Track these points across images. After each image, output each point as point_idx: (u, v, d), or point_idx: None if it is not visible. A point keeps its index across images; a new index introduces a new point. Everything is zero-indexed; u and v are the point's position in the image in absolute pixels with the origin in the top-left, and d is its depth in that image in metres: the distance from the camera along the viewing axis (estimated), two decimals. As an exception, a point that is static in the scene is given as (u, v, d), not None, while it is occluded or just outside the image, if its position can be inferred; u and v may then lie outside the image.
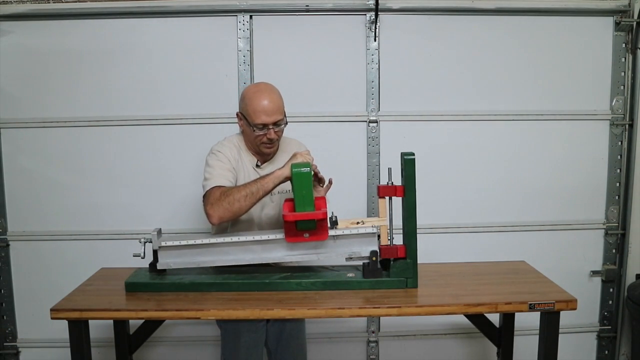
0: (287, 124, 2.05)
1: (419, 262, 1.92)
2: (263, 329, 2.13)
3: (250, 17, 2.57)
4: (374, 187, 2.61)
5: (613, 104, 2.69)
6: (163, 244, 1.94)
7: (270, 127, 1.97)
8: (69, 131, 2.61)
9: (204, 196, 1.96)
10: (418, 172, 1.86)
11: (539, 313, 1.84)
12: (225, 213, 1.89)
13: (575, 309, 1.81)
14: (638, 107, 2.64)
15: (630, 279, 2.74)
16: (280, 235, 1.91)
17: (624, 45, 2.65)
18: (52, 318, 1.77)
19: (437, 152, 2.65)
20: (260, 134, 1.98)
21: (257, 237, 1.93)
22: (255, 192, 1.89)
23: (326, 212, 1.86)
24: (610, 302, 2.81)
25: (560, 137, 2.69)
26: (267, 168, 2.06)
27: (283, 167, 1.90)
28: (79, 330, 1.79)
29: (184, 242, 1.95)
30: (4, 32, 2.55)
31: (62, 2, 2.54)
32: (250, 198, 1.88)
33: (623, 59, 2.65)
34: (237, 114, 2.04)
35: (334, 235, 1.91)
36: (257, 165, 2.08)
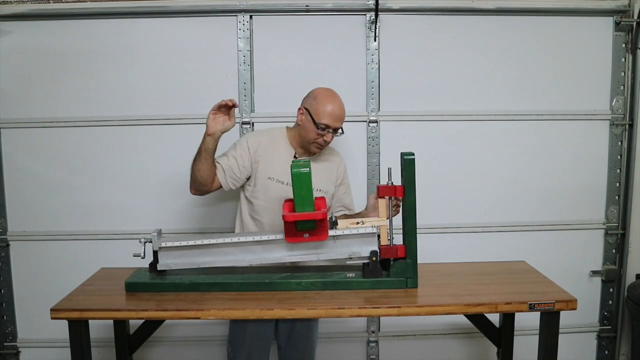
0: (343, 133, 2.14)
1: (418, 262, 1.92)
2: (271, 322, 2.20)
3: (250, 17, 2.57)
4: (374, 187, 2.61)
5: (613, 104, 2.69)
6: (163, 244, 1.94)
7: (330, 131, 2.08)
8: (69, 131, 2.61)
9: None
10: (418, 172, 1.87)
11: (539, 313, 1.84)
12: (190, 181, 2.10)
13: (575, 309, 1.81)
14: (638, 107, 2.64)
15: (630, 279, 2.74)
16: (280, 236, 1.91)
17: (624, 45, 2.65)
18: (52, 318, 1.77)
19: (437, 152, 2.65)
20: (320, 134, 2.08)
21: (257, 238, 1.93)
22: (197, 152, 2.05)
23: (326, 212, 1.86)
24: (610, 302, 2.81)
25: (560, 137, 2.69)
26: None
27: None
28: (79, 330, 1.79)
29: (184, 243, 1.95)
30: (4, 32, 2.55)
31: (62, 2, 2.54)
32: (196, 160, 2.05)
33: (623, 59, 2.65)
34: (300, 109, 2.12)
35: (334, 236, 1.91)
36: (295, 157, 2.10)
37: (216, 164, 2.11)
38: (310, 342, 2.29)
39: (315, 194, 2.02)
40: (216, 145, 2.04)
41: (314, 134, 2.08)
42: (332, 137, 2.12)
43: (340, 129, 2.12)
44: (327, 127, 2.07)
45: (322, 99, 2.08)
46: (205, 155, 2.03)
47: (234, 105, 2.01)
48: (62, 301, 1.85)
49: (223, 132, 2.04)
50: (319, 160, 2.19)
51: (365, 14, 2.58)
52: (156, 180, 2.64)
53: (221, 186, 2.14)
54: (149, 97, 2.60)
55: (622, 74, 2.66)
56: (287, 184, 2.09)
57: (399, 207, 1.99)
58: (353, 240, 1.92)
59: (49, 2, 2.53)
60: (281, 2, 2.55)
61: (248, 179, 2.16)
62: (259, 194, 2.13)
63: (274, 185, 2.11)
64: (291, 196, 1.88)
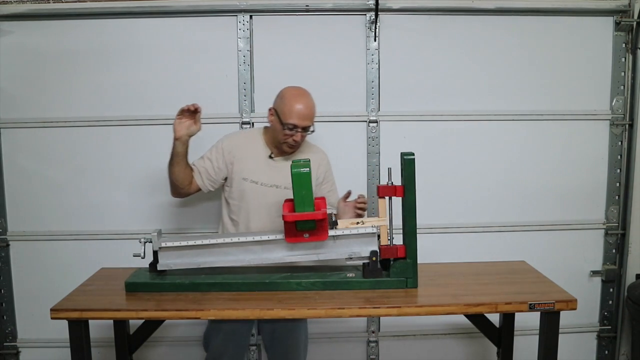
0: (313, 131, 2.14)
1: (419, 262, 1.92)
2: (250, 321, 2.24)
3: (250, 17, 2.57)
4: (374, 187, 2.61)
5: (613, 104, 2.69)
6: (163, 244, 1.94)
7: (299, 130, 2.07)
8: (69, 131, 2.61)
9: None
10: (418, 172, 1.87)
11: (539, 313, 1.84)
12: (169, 184, 2.16)
13: (575, 309, 1.81)
14: (638, 107, 2.64)
15: (630, 279, 2.74)
16: (280, 236, 1.91)
17: (624, 45, 2.65)
18: (52, 318, 1.77)
19: (437, 152, 2.65)
20: (288, 134, 2.08)
21: (257, 238, 1.93)
22: (170, 157, 2.09)
23: (326, 212, 1.86)
24: (610, 302, 2.81)
25: (560, 137, 2.69)
26: (280, 162, 2.17)
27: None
28: (79, 330, 1.79)
29: (184, 243, 1.95)
30: (4, 32, 2.55)
31: (62, 2, 2.54)
32: (170, 164, 2.10)
33: (623, 59, 2.65)
34: (269, 109, 2.14)
35: (334, 236, 1.91)
36: (270, 157, 2.17)
37: (192, 166, 2.16)
38: (295, 342, 2.28)
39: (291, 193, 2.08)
40: (186, 149, 2.09)
41: (282, 134, 2.09)
42: (303, 137, 2.12)
43: (311, 128, 2.12)
44: (295, 126, 2.06)
45: (289, 99, 2.08)
46: (177, 159, 2.09)
47: (196, 110, 2.05)
48: (62, 301, 1.85)
49: (190, 136, 2.09)
50: (296, 157, 2.16)
51: (365, 14, 2.58)
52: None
53: (200, 188, 2.19)
54: (149, 97, 2.60)
55: (622, 74, 2.66)
56: (261, 184, 2.15)
57: (364, 209, 2.05)
58: (353, 240, 1.92)
59: (49, 2, 2.53)
60: (281, 2, 2.55)
61: (226, 179, 2.20)
62: (235, 195, 2.17)
63: (249, 185, 2.15)
64: (267, 196, 2.02)
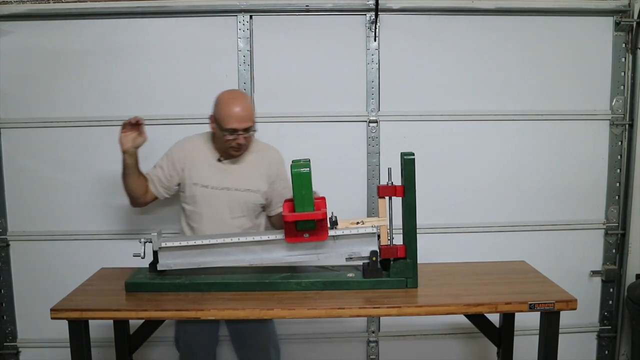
0: (255, 131, 2.17)
1: (419, 262, 1.92)
2: (216, 322, 2.31)
3: (250, 17, 2.57)
4: (374, 187, 2.61)
5: (613, 104, 2.69)
6: (163, 244, 1.95)
7: (240, 132, 2.09)
8: (69, 131, 2.61)
9: None
10: (418, 172, 1.87)
11: (539, 313, 1.84)
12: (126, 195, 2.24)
13: (575, 309, 1.81)
14: (638, 107, 2.64)
15: (630, 279, 2.74)
16: (280, 236, 1.91)
17: (624, 45, 2.65)
18: (52, 318, 1.77)
19: (437, 152, 2.65)
20: (230, 139, 2.10)
21: (257, 238, 1.93)
22: (122, 169, 2.17)
23: (326, 212, 1.86)
24: (610, 302, 2.81)
25: (560, 137, 2.69)
26: (229, 165, 2.21)
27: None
28: (79, 330, 1.79)
29: (184, 243, 1.95)
30: (4, 32, 2.55)
31: (62, 2, 2.54)
32: (123, 176, 2.18)
33: (623, 59, 2.65)
34: (210, 117, 2.17)
35: (334, 236, 1.91)
36: (219, 160, 2.21)
37: (147, 175, 2.24)
38: (261, 342, 2.29)
39: (245, 196, 2.18)
40: (135, 160, 2.17)
41: (225, 139, 2.11)
42: (247, 138, 2.14)
43: (252, 127, 2.14)
44: (235, 130, 2.08)
45: (224, 105, 2.11)
46: (128, 171, 2.16)
47: (137, 123, 2.13)
48: (62, 301, 1.85)
49: (136, 148, 2.16)
50: (245, 159, 2.22)
51: (365, 14, 2.58)
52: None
53: (157, 196, 2.27)
54: (149, 97, 2.60)
55: (622, 74, 2.66)
56: (211, 188, 2.18)
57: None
58: (353, 240, 1.93)
59: (49, 2, 2.53)
60: (281, 2, 2.55)
61: (180, 185, 2.26)
62: (188, 200, 2.23)
63: (199, 190, 2.19)
64: (218, 199, 2.11)
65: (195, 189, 2.20)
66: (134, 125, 2.13)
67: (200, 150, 2.23)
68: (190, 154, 2.22)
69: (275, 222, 2.31)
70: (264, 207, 2.28)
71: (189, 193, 2.22)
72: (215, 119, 2.14)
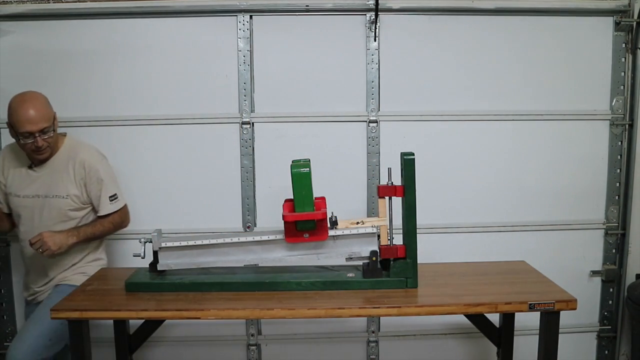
0: (55, 131, 2.14)
1: (419, 262, 1.92)
2: None
3: (250, 17, 2.57)
4: (374, 187, 2.61)
5: (613, 104, 2.69)
6: (163, 244, 1.95)
7: (37, 135, 2.05)
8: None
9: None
10: (418, 172, 1.87)
11: (538, 313, 1.84)
12: None
13: (575, 309, 1.81)
14: (638, 107, 2.64)
15: (630, 278, 2.74)
16: (280, 236, 1.91)
17: (624, 45, 2.65)
18: (52, 318, 1.77)
19: (437, 152, 2.65)
20: (28, 142, 2.06)
21: (257, 238, 1.93)
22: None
23: (326, 212, 1.86)
24: (610, 302, 2.81)
25: (560, 137, 2.69)
26: (40, 170, 2.18)
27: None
28: (79, 330, 1.79)
29: (184, 243, 1.95)
30: (4, 32, 2.55)
31: (62, 2, 2.54)
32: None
33: (623, 59, 2.65)
34: (7, 124, 2.11)
35: (334, 236, 1.91)
36: (30, 167, 2.19)
37: None
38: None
39: (55, 202, 2.16)
40: None
41: (23, 144, 2.08)
42: (47, 140, 2.09)
43: (50, 128, 2.10)
44: (30, 133, 2.04)
45: (14, 109, 2.05)
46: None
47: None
48: (62, 301, 1.85)
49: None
50: (53, 163, 2.18)
51: (365, 14, 2.58)
52: (156, 180, 2.64)
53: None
54: (149, 97, 2.60)
55: (622, 74, 2.66)
56: (23, 197, 2.18)
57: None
58: (353, 240, 1.93)
59: (49, 2, 2.53)
60: (281, 2, 2.55)
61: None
62: (12, 210, 2.24)
63: (14, 200, 2.20)
64: (32, 208, 2.13)
65: (11, 199, 2.20)
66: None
67: (13, 159, 2.22)
68: (7, 163, 2.22)
69: (106, 224, 2.27)
70: (94, 209, 2.26)
71: (10, 203, 2.22)
72: (9, 125, 2.09)
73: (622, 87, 2.67)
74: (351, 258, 1.94)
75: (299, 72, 2.60)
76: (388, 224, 1.95)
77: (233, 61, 2.58)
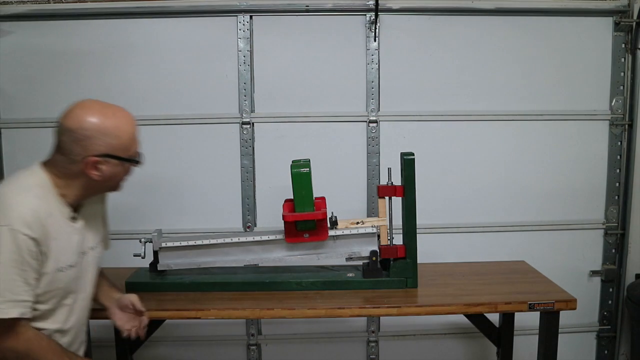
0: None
1: (418, 262, 1.92)
2: None
3: (250, 17, 2.57)
4: (374, 187, 2.62)
5: (612, 104, 2.69)
6: (163, 244, 1.95)
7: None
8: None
9: None
10: (418, 172, 1.87)
11: (538, 313, 1.84)
12: None
13: (574, 308, 1.81)
14: (637, 107, 2.64)
15: (629, 278, 2.74)
16: (280, 236, 1.91)
17: (623, 45, 2.65)
18: (52, 318, 1.77)
19: (437, 152, 2.65)
20: (132, 167, 1.58)
21: (257, 238, 1.93)
22: None
23: (326, 212, 1.86)
24: (610, 302, 2.81)
25: (559, 137, 2.69)
26: (80, 218, 1.55)
27: None
28: (79, 330, 1.79)
29: (184, 243, 1.95)
30: (4, 32, 2.55)
31: (63, 2, 2.54)
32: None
33: (622, 59, 2.66)
34: (90, 161, 1.43)
35: (334, 236, 1.91)
36: (74, 218, 1.51)
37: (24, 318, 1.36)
38: None
39: (92, 254, 1.62)
40: None
41: (126, 172, 1.56)
42: None
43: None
44: (138, 153, 1.57)
45: (121, 128, 1.48)
46: None
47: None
48: (63, 301, 1.84)
49: None
50: (88, 209, 1.59)
51: (365, 14, 2.58)
52: (156, 180, 2.64)
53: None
54: (149, 97, 2.60)
55: (622, 74, 2.66)
56: (68, 267, 1.47)
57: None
58: (353, 240, 1.93)
59: (49, 2, 2.53)
60: (281, 2, 2.55)
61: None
62: (43, 297, 1.42)
63: (65, 274, 1.46)
64: (88, 269, 1.57)
65: (61, 275, 1.44)
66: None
67: (50, 214, 1.41)
68: (45, 230, 1.37)
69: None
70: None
71: (49, 286, 1.42)
72: (111, 156, 1.46)
73: (621, 88, 2.67)
74: (351, 258, 1.94)
75: (299, 72, 2.60)
76: (388, 224, 1.96)
77: (233, 61, 2.58)
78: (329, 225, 1.90)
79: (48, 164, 1.50)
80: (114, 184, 1.56)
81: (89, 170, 1.44)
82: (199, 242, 1.94)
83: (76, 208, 1.52)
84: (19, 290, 1.33)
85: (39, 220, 1.36)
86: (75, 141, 1.43)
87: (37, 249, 1.36)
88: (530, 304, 1.79)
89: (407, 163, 1.87)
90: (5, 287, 1.32)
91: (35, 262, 1.36)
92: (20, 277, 1.33)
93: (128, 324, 1.70)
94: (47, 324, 1.46)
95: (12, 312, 1.32)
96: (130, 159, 1.52)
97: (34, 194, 1.40)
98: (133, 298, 1.70)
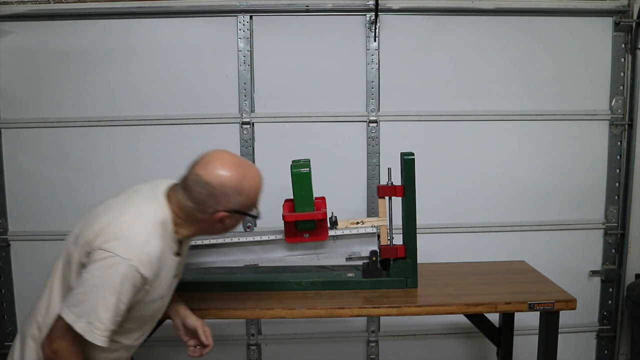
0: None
1: (418, 262, 1.92)
2: None
3: (250, 17, 2.57)
4: (374, 187, 2.62)
5: (612, 104, 2.69)
6: (163, 244, 1.94)
7: None
8: (69, 131, 2.61)
9: (59, 328, 1.36)
10: (418, 172, 1.87)
11: (538, 313, 1.84)
12: None
13: (574, 308, 1.81)
14: (637, 107, 2.64)
15: (629, 278, 2.74)
16: (280, 236, 1.91)
17: (623, 45, 2.65)
18: (52, 318, 1.77)
19: (437, 152, 2.65)
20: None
21: (257, 238, 1.93)
22: None
23: (326, 212, 1.86)
24: (610, 302, 2.81)
25: (559, 137, 2.69)
26: (182, 254, 1.61)
27: None
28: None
29: (184, 242, 1.95)
30: (4, 32, 2.55)
31: (63, 2, 2.54)
32: None
33: (622, 59, 2.66)
34: (217, 216, 1.46)
35: (334, 236, 1.91)
36: (178, 254, 1.55)
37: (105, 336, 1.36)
38: None
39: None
40: None
41: (235, 222, 1.56)
42: None
43: None
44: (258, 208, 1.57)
45: (251, 186, 1.48)
46: None
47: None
48: (63, 301, 1.84)
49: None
50: (186, 242, 1.63)
51: (365, 14, 2.58)
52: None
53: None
54: (149, 97, 2.60)
55: (622, 74, 2.66)
56: (158, 299, 1.52)
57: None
58: (353, 240, 1.93)
59: (49, 2, 2.54)
60: (281, 2, 2.55)
61: None
62: (129, 323, 1.49)
63: (157, 304, 1.54)
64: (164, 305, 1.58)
65: (152, 305, 1.52)
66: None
67: (165, 252, 1.46)
68: (160, 263, 1.43)
69: None
70: None
71: (138, 314, 1.49)
72: (237, 211, 1.48)
73: (621, 87, 2.67)
74: (351, 258, 1.94)
75: (299, 72, 2.60)
76: (388, 224, 1.96)
77: (233, 61, 2.58)
78: (329, 225, 1.90)
79: (173, 201, 1.51)
80: (223, 231, 1.58)
81: (215, 222, 1.49)
82: (199, 242, 1.94)
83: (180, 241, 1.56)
84: (107, 316, 1.35)
85: (157, 263, 1.41)
86: (211, 196, 1.45)
87: (143, 286, 1.41)
88: (530, 304, 1.79)
89: (407, 163, 1.87)
90: (97, 310, 1.34)
91: (134, 295, 1.40)
92: (115, 306, 1.35)
93: (192, 342, 1.73)
94: (122, 339, 1.52)
95: (99, 340, 1.34)
96: (253, 215, 1.56)
97: (158, 234, 1.43)
98: (200, 328, 1.68)
